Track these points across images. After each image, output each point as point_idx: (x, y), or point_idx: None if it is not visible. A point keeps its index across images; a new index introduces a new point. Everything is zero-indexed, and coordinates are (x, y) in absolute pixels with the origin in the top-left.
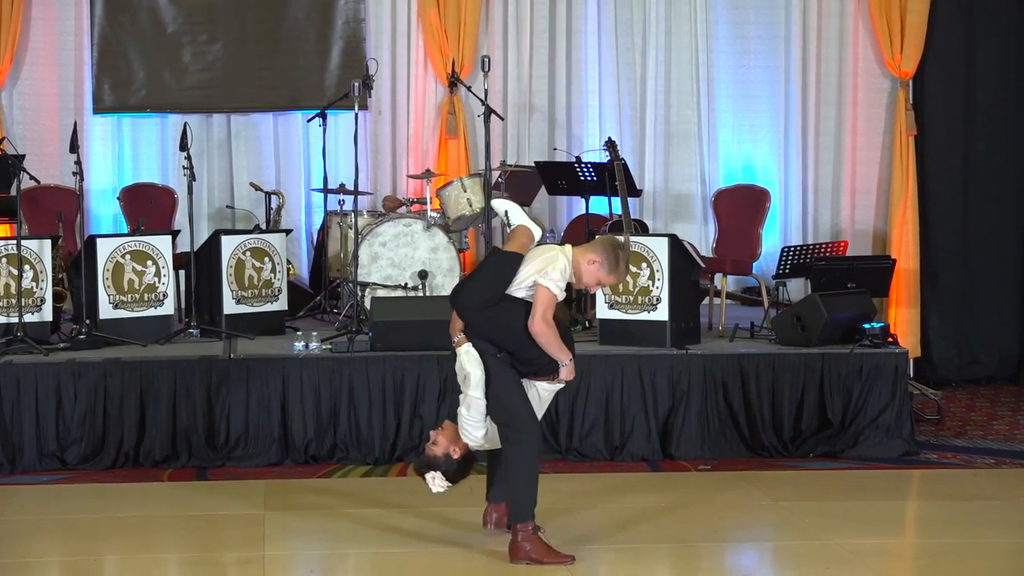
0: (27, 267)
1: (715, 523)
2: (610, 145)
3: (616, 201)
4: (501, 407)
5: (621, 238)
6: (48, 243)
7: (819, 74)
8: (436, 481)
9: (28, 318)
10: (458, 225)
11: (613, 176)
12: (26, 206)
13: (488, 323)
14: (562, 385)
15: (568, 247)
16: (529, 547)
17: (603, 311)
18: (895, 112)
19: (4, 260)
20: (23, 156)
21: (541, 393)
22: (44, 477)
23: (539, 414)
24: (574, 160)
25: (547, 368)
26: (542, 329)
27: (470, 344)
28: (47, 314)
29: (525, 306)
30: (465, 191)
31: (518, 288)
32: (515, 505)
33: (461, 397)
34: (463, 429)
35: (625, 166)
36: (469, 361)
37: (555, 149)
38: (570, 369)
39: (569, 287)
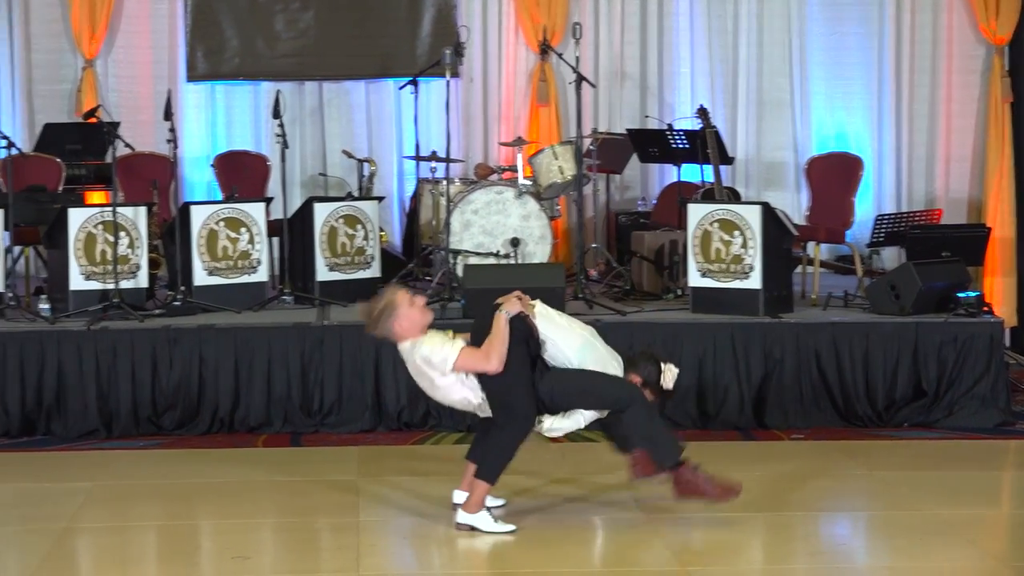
0: (123, 234)
1: (808, 492)
2: (702, 112)
3: (708, 169)
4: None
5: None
6: (143, 210)
7: (913, 41)
8: None
9: (124, 284)
10: (549, 193)
11: (705, 144)
12: (121, 173)
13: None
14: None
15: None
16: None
17: (695, 279)
18: (990, 79)
19: (100, 227)
20: (118, 124)
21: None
22: (140, 442)
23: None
24: (666, 128)
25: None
26: (496, 364)
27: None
28: (143, 281)
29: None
30: (556, 159)
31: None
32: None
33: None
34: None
35: (717, 134)
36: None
37: (647, 117)
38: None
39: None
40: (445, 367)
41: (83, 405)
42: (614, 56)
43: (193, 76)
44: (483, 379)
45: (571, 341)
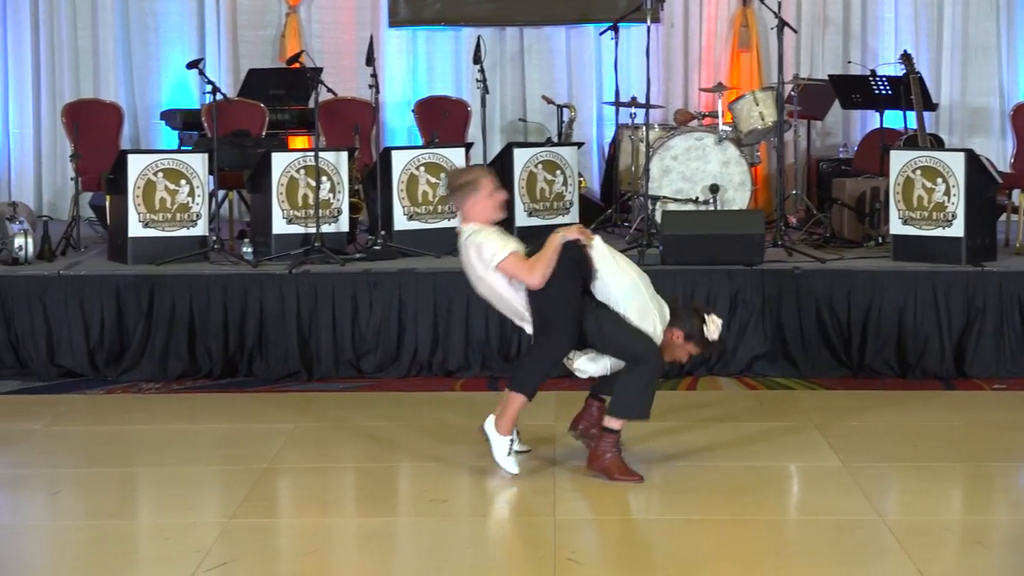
0: (324, 178)
1: (1009, 443)
2: (906, 58)
3: (911, 115)
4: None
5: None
6: (345, 155)
7: None
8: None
9: (325, 229)
10: (750, 139)
11: (908, 90)
12: (323, 118)
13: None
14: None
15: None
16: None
17: (897, 226)
18: None
19: (302, 171)
20: (321, 69)
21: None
22: (340, 385)
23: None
24: (869, 73)
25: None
26: (538, 280)
27: None
28: (343, 225)
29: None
30: (757, 105)
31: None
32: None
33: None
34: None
35: (921, 80)
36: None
37: (849, 62)
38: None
39: (862, 201)
40: (492, 262)
41: (284, 347)
42: (817, 1)
43: (395, 22)
44: (531, 295)
45: (620, 281)
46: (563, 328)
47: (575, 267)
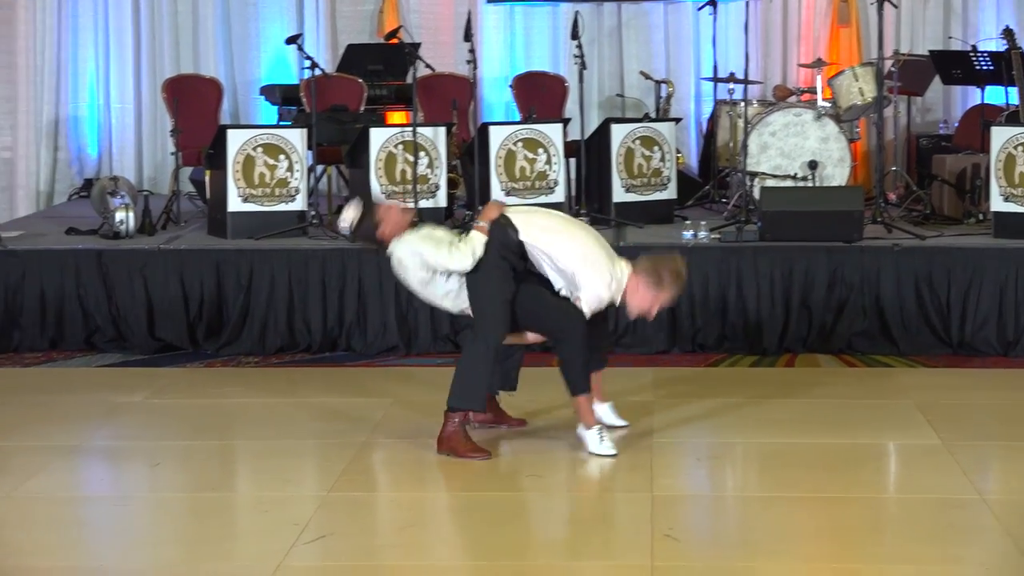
0: (422, 153)
1: None
2: (1008, 33)
3: (1013, 91)
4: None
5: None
6: (443, 130)
7: None
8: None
9: (423, 204)
10: (849, 115)
11: (1010, 65)
12: (421, 94)
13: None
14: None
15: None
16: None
17: (998, 203)
18: None
19: (400, 147)
20: (419, 44)
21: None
22: (438, 360)
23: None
24: (970, 49)
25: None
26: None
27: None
28: (441, 200)
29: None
30: (857, 80)
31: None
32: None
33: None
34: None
35: (1023, 54)
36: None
37: (950, 38)
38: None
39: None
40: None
41: (382, 322)
42: None
43: None
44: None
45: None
46: (489, 319)
47: (501, 253)
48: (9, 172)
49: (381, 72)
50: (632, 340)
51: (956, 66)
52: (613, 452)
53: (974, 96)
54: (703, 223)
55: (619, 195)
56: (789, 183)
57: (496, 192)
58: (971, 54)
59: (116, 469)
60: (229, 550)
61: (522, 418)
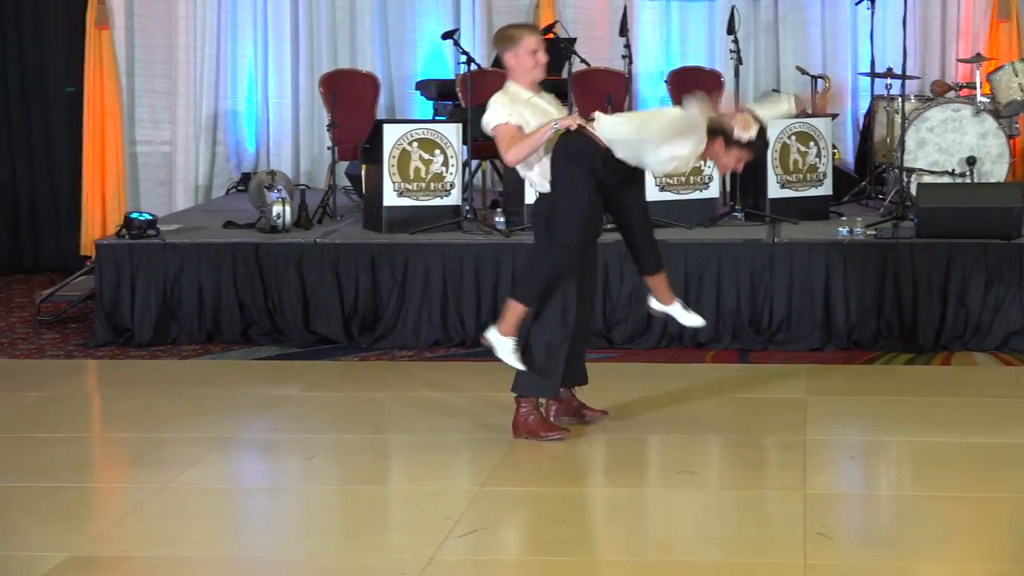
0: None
1: None
2: None
3: None
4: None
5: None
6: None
7: None
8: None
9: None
10: (1009, 111)
11: None
12: (577, 89)
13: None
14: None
15: None
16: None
17: None
18: None
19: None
20: (574, 40)
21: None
22: (590, 355)
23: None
24: None
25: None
26: (511, 158)
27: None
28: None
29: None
30: (1016, 76)
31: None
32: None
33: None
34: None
35: None
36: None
37: None
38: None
39: None
40: (487, 127)
41: None
42: None
43: None
44: (542, 196)
45: (627, 128)
46: (562, 231)
47: (582, 163)
48: (168, 166)
49: None
50: (785, 337)
51: None
52: (521, 367)
53: None
54: (859, 219)
55: (774, 191)
56: (946, 179)
57: (650, 186)
58: None
59: (270, 461)
60: (381, 543)
61: (604, 409)
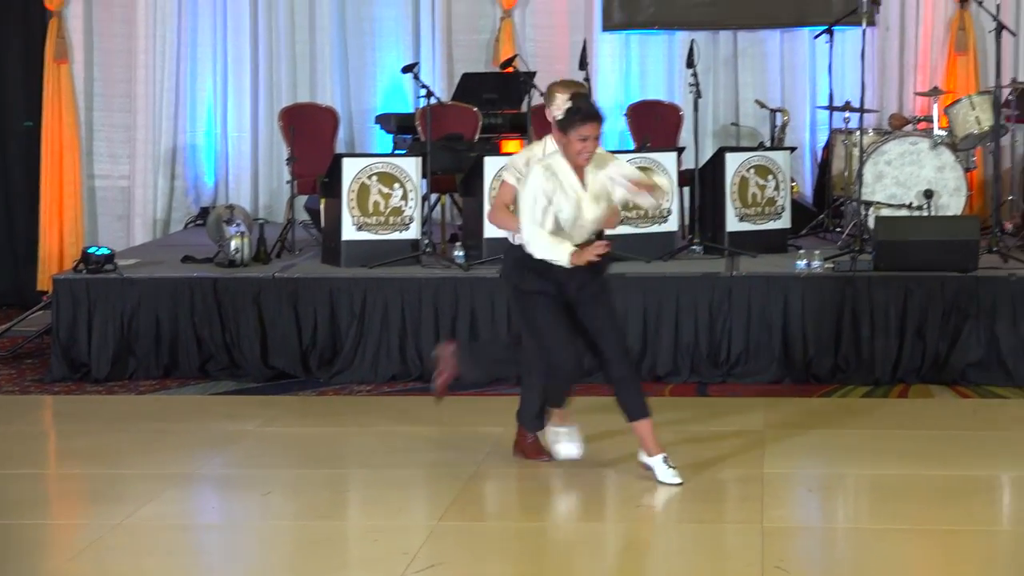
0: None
1: None
2: None
3: None
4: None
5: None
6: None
7: None
8: None
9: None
10: (966, 144)
11: None
12: (537, 123)
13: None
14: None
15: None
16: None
17: None
18: None
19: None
20: (534, 73)
21: None
22: None
23: None
24: None
25: None
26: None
27: None
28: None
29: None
30: (974, 109)
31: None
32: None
33: None
34: None
35: None
36: None
37: None
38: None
39: None
40: (501, 169)
41: None
42: None
43: (609, 25)
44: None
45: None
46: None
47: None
48: (126, 200)
49: (496, 101)
50: (743, 370)
51: None
52: (679, 480)
53: None
54: (817, 252)
55: (733, 224)
56: (904, 212)
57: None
58: None
59: (227, 497)
60: None
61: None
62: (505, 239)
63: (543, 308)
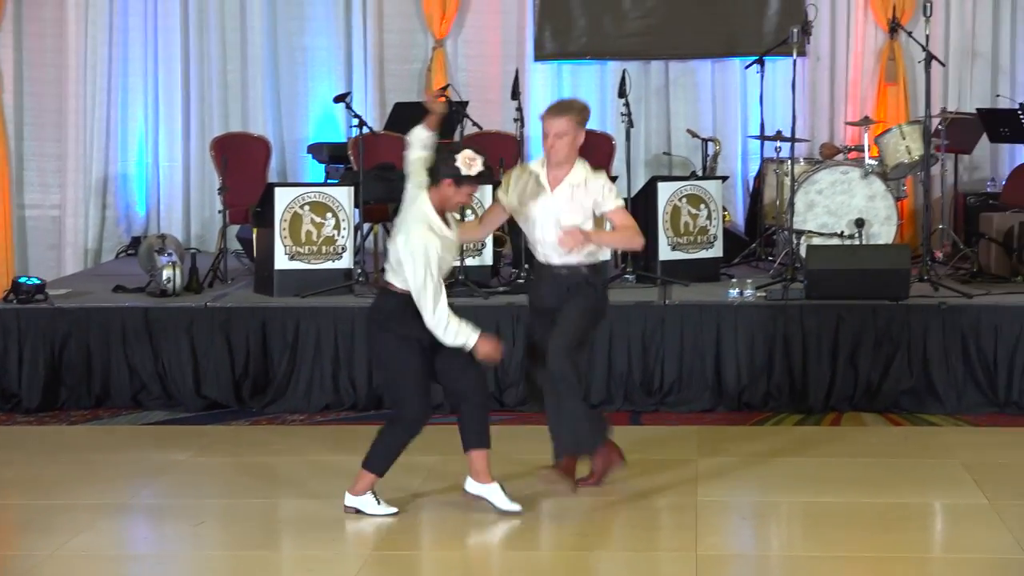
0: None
1: None
2: None
3: None
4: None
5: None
6: (489, 189)
7: None
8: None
9: (469, 262)
10: (896, 173)
11: None
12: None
13: None
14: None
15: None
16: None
17: None
18: None
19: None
20: (467, 103)
21: None
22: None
23: None
24: (1017, 107)
25: None
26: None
27: None
28: (487, 258)
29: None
30: (904, 139)
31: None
32: None
33: None
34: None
35: None
36: None
37: (997, 96)
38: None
39: (1010, 236)
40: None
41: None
42: (965, 34)
43: (540, 55)
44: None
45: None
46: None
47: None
48: (57, 230)
49: None
50: (676, 399)
51: (1004, 124)
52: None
53: (1022, 154)
54: (749, 281)
55: (665, 253)
56: (835, 241)
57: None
58: (1019, 112)
59: (160, 528)
60: None
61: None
62: None
63: (415, 355)
